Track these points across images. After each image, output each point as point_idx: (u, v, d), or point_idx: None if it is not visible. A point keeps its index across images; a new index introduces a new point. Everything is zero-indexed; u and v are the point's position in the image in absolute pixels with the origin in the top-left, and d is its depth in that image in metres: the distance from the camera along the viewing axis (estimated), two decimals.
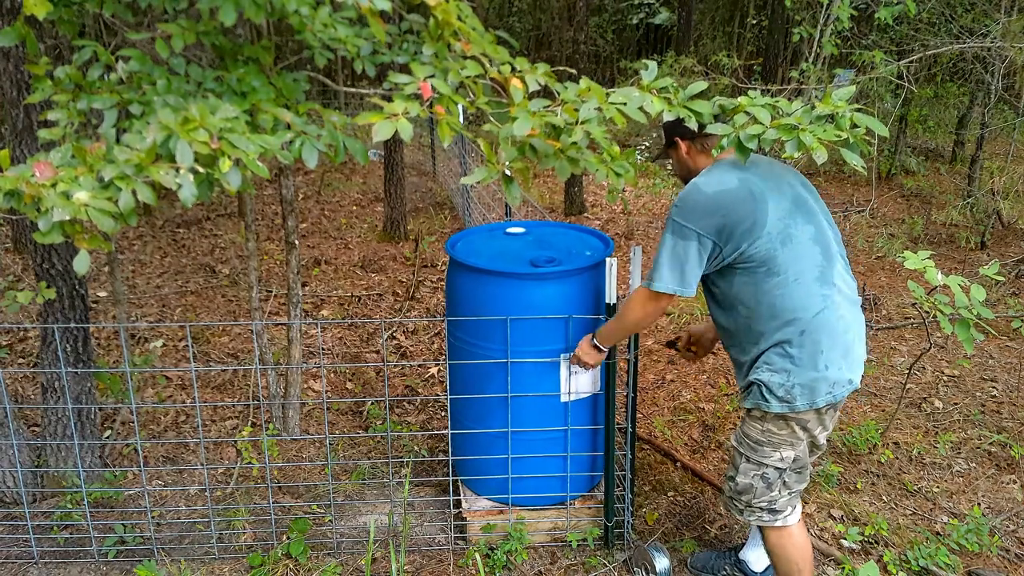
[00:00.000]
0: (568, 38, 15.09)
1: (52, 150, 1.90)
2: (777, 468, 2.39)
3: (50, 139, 2.09)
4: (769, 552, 2.55)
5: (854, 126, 2.20)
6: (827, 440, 2.49)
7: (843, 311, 2.29)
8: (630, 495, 3.01)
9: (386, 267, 6.40)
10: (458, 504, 3.12)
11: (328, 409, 4.17)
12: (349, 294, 5.73)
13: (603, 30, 16.05)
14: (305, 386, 4.29)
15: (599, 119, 2.05)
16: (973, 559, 2.97)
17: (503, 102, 2.12)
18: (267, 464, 3.41)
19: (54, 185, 1.75)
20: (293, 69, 2.56)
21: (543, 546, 3.02)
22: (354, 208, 8.43)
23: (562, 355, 2.77)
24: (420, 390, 4.36)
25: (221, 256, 6.62)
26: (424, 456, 3.69)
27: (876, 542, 3.04)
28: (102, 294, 5.58)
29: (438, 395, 4.27)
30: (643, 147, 10.90)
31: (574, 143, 2.02)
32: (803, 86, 4.75)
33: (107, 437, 3.62)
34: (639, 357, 3.80)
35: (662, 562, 2.77)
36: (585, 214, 8.03)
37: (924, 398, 4.19)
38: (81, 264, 1.85)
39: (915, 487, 3.41)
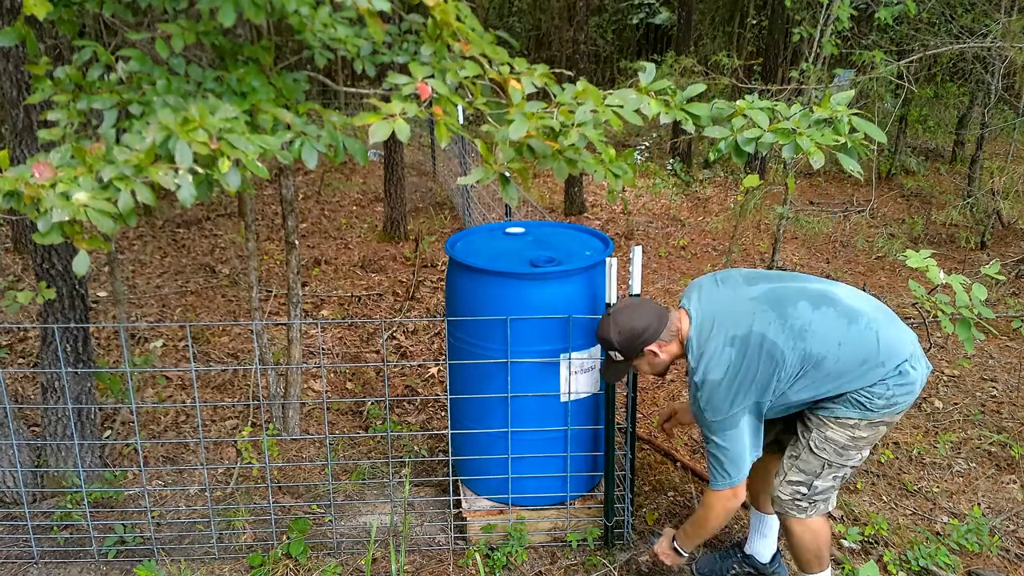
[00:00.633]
0: (568, 38, 15.08)
1: (52, 150, 1.90)
2: (855, 467, 2.39)
3: (50, 139, 2.09)
4: (795, 541, 2.49)
5: (852, 130, 2.20)
6: None
7: (876, 326, 2.26)
8: (630, 495, 3.01)
9: (386, 267, 6.40)
10: (458, 504, 3.12)
11: (328, 409, 4.17)
12: (349, 294, 5.73)
13: (603, 30, 16.05)
14: (305, 386, 4.30)
15: (595, 121, 2.05)
16: (973, 559, 2.97)
17: (502, 103, 2.12)
18: (267, 464, 3.42)
19: (54, 185, 1.75)
20: (293, 69, 2.56)
21: (543, 546, 3.02)
22: (354, 208, 8.44)
23: (562, 355, 2.77)
24: (420, 390, 4.36)
25: (221, 256, 6.63)
26: (424, 456, 3.69)
27: (876, 542, 3.04)
28: (102, 294, 5.59)
29: (438, 395, 4.27)
30: (642, 147, 10.90)
31: (572, 144, 2.02)
32: (803, 86, 4.75)
33: (107, 437, 3.63)
34: None
35: None
36: (585, 214, 8.03)
37: (924, 398, 4.19)
38: (81, 264, 1.85)
39: (915, 487, 3.41)
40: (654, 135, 11.28)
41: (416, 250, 6.53)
